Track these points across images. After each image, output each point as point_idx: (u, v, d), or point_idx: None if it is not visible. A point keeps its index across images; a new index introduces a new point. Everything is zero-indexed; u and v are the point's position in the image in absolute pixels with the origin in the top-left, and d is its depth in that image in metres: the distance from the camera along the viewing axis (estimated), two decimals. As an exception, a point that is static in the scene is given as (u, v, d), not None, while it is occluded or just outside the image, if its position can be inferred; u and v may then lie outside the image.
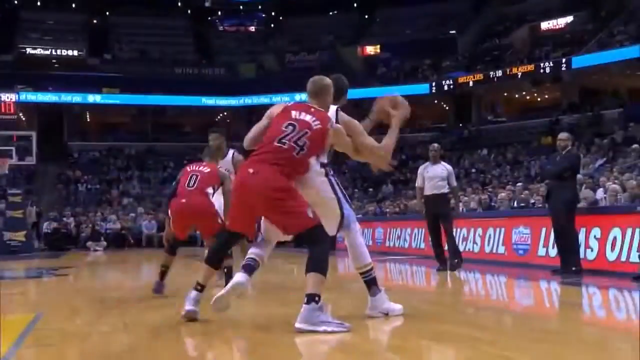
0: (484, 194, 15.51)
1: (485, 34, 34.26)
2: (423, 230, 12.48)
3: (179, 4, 40.03)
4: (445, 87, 30.72)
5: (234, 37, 39.69)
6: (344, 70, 37.63)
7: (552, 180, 7.99)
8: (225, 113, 35.05)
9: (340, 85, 4.71)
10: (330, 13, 39.59)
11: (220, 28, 40.36)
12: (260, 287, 8.17)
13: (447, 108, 33.61)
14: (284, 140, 4.02)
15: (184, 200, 6.04)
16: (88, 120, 34.15)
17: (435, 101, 33.19)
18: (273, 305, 5.65)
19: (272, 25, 40.61)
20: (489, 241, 10.31)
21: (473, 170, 24.73)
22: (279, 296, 6.49)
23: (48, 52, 34.49)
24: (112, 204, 25.68)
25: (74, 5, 38.27)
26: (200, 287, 4.31)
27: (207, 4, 40.43)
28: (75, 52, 34.86)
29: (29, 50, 34.11)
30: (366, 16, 39.48)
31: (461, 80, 30.24)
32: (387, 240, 14.26)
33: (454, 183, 8.84)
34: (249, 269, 4.16)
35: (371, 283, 4.41)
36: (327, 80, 4.48)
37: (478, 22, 35.18)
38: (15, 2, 37.11)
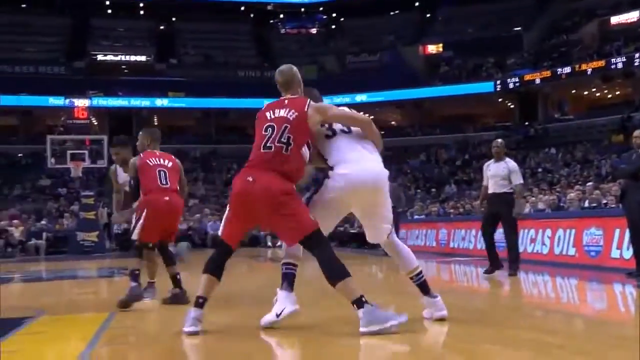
0: (552, 194, 15.06)
1: (552, 30, 33.31)
2: (488, 231, 12.23)
3: (242, 8, 40.63)
4: (511, 85, 30.04)
5: (295, 39, 40.00)
6: (405, 70, 37.57)
7: (626, 179, 7.65)
8: (287, 115, 35.33)
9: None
10: (391, 13, 39.36)
11: (282, 31, 40.75)
12: (315, 289, 8.17)
13: (512, 106, 32.86)
14: (268, 145, 3.94)
15: (167, 199, 5.66)
16: (155, 123, 35.11)
17: (500, 99, 32.51)
18: (337, 309, 5.63)
19: (333, 27, 40.70)
20: (558, 243, 9.99)
21: (540, 169, 24.08)
22: (342, 299, 6.47)
23: (118, 58, 35.66)
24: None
25: (142, 13, 39.46)
26: (202, 300, 4.03)
27: (269, 8, 40.89)
28: (144, 58, 35.91)
29: (100, 57, 35.36)
30: (427, 15, 39.05)
31: (527, 77, 29.51)
32: (451, 241, 14.05)
33: (518, 181, 8.20)
34: (290, 278, 4.22)
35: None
36: (294, 69, 4.31)
37: (544, 17, 34.25)
38: (88, 10, 38.51)
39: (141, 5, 39.52)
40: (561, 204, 13.06)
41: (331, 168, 4.03)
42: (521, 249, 10.95)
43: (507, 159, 8.40)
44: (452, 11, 37.19)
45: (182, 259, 6.42)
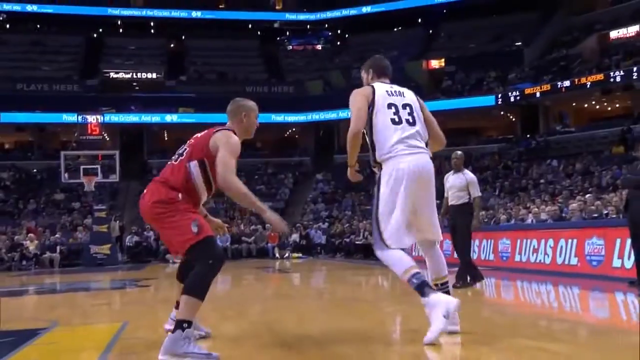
0: (554, 205, 15.00)
1: (553, 45, 33.32)
2: (492, 242, 12.19)
3: (250, 26, 40.87)
4: (512, 99, 30.01)
5: (301, 55, 40.18)
6: (409, 84, 37.58)
7: (632, 189, 7.60)
8: (294, 129, 35.47)
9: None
10: (395, 29, 39.50)
11: (289, 47, 40.95)
12: (330, 300, 8.17)
13: (513, 119, 32.82)
14: (173, 157, 3.98)
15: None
16: (166, 138, 35.24)
17: (502, 112, 32.48)
18: (347, 319, 5.62)
19: (338, 43, 40.86)
20: (560, 252, 9.94)
21: (542, 181, 23.98)
22: (352, 309, 6.46)
23: (129, 76, 35.87)
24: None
25: (152, 31, 39.75)
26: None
27: (276, 25, 41.12)
28: (154, 75, 36.11)
29: (112, 75, 35.57)
30: (431, 31, 39.16)
31: (528, 91, 29.46)
32: (455, 251, 13.96)
33: (476, 193, 8.10)
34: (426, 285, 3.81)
35: None
36: (242, 102, 4.19)
37: (545, 33, 34.28)
38: (100, 30, 38.84)
39: (152, 24, 39.82)
40: (563, 215, 13.00)
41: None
42: (524, 259, 10.93)
43: (466, 171, 8.31)
44: (454, 27, 37.29)
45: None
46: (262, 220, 24.87)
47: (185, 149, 3.91)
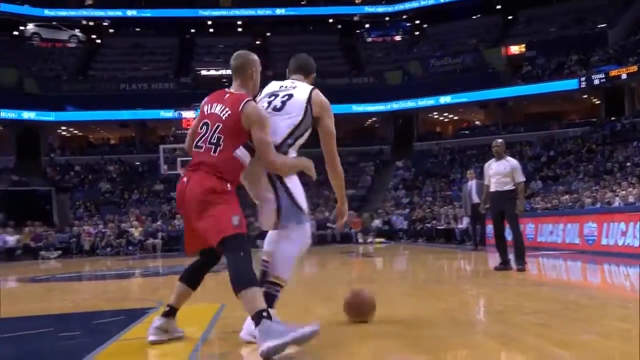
0: (641, 188, 14.19)
1: (638, 26, 31.36)
2: (577, 225, 11.70)
3: (330, 20, 40.94)
4: (596, 82, 28.50)
5: (380, 47, 39.84)
6: (488, 71, 36.60)
7: None
8: (374, 118, 35.30)
9: (304, 61, 4.03)
10: (473, 17, 38.41)
11: (368, 39, 40.71)
12: (413, 283, 8.11)
13: (597, 102, 31.20)
14: (199, 144, 3.52)
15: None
16: (253, 131, 35.95)
17: (585, 96, 30.95)
18: (431, 302, 5.57)
19: (417, 33, 40.21)
20: (649, 236, 9.39)
21: (628, 163, 22.72)
22: (435, 291, 6.39)
23: (219, 73, 36.74)
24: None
25: (239, 30, 40.58)
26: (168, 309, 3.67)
27: (355, 19, 40.95)
28: (242, 71, 36.89)
29: (204, 72, 36.62)
30: (509, 17, 37.79)
31: (613, 73, 27.90)
32: (539, 235, 13.52)
33: (520, 179, 7.92)
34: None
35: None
36: (250, 56, 3.73)
37: (629, 13, 32.31)
38: (192, 30, 40.04)
39: (239, 23, 40.66)
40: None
41: None
42: (611, 242, 10.42)
43: (508, 158, 8.20)
44: (533, 12, 35.81)
45: None
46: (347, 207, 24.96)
47: (219, 136, 3.46)
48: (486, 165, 8.36)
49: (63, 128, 34.28)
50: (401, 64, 36.18)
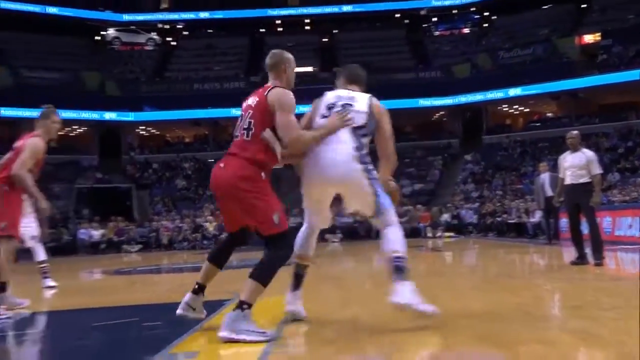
0: None
1: None
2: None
3: (397, 16, 40.54)
4: (677, 69, 26.95)
5: (448, 40, 39.11)
6: (560, 62, 35.04)
7: None
8: (441, 112, 34.73)
9: (357, 72, 4.35)
10: (544, 7, 37.05)
11: (435, 33, 40.04)
12: (484, 277, 7.96)
13: (679, 91, 29.46)
14: (236, 134, 3.81)
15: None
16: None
17: (665, 85, 29.28)
18: (503, 296, 5.44)
19: (485, 25, 39.21)
20: None
21: None
22: (507, 286, 6.23)
23: (287, 71, 37.23)
24: (341, 200, 26.82)
25: (307, 28, 40.84)
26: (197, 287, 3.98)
27: (422, 13, 40.37)
28: (310, 69, 37.12)
29: (272, 71, 37.12)
30: (582, 5, 36.21)
31: (697, 60, 26.31)
32: (616, 229, 12.93)
33: (597, 171, 7.62)
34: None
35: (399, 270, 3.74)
36: (285, 54, 4.02)
37: None
38: (262, 30, 40.63)
39: (306, 21, 40.91)
40: None
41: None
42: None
43: (584, 149, 7.88)
44: (608, 0, 34.20)
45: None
46: (413, 201, 24.75)
47: (250, 121, 3.72)
48: (561, 157, 8.11)
49: (141, 127, 35.62)
50: (469, 56, 35.39)
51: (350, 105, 3.97)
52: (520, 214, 18.37)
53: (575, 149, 7.84)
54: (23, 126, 32.24)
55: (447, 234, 20.61)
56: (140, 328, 4.46)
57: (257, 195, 3.59)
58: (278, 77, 3.93)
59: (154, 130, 36.31)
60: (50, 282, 7.82)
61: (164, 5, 40.89)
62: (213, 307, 4.95)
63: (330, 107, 4.02)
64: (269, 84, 3.88)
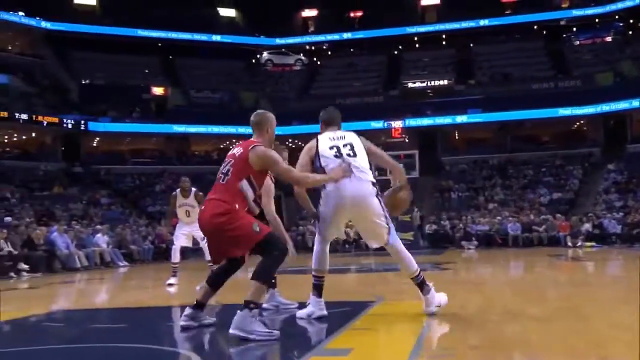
0: None
1: None
2: None
3: (535, 27, 38.53)
4: None
5: (589, 49, 36.39)
6: None
7: None
8: (581, 121, 32.36)
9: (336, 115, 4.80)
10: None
11: (576, 43, 37.45)
12: (631, 289, 7.32)
13: None
14: (218, 176, 4.04)
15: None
16: (457, 137, 35.24)
17: None
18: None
19: (630, 33, 35.93)
20: None
21: None
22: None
23: (424, 84, 36.84)
24: (479, 209, 25.90)
25: (444, 43, 40.17)
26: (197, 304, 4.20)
27: (562, 23, 37.98)
28: (445, 82, 36.41)
29: (410, 85, 36.91)
30: None
31: None
32: None
33: None
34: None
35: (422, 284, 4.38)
36: (267, 114, 4.31)
37: None
38: (400, 47, 40.62)
39: (443, 36, 40.19)
40: None
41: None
42: None
43: None
44: None
45: None
46: (552, 210, 23.29)
47: (229, 168, 3.99)
48: None
49: (289, 140, 37.14)
50: (612, 65, 32.65)
51: (351, 144, 4.39)
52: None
53: None
54: (191, 140, 35.19)
55: (587, 243, 19.13)
56: (295, 325, 4.66)
57: (232, 222, 3.81)
58: (261, 135, 4.21)
59: (301, 143, 37.57)
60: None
61: (311, 29, 42.39)
62: (359, 307, 5.07)
63: (332, 148, 4.43)
64: (253, 139, 4.19)
